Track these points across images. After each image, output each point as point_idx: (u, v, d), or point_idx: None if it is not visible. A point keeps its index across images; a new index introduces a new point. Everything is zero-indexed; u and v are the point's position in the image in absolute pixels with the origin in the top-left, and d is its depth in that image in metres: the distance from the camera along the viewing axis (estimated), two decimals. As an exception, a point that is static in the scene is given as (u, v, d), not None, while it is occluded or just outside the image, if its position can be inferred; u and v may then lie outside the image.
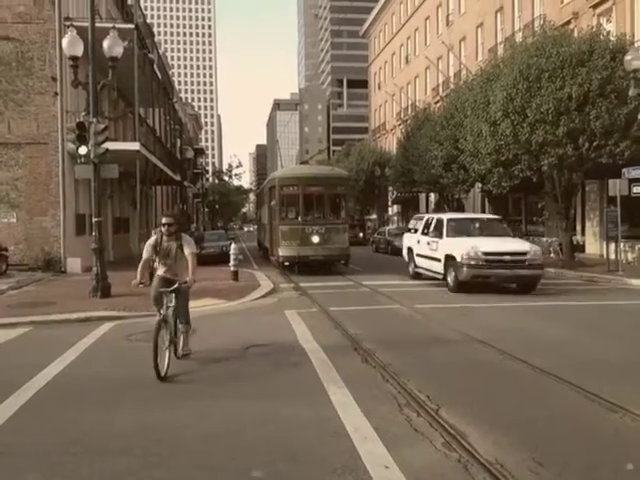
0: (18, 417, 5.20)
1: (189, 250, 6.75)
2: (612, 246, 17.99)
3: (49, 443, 4.59)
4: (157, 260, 6.81)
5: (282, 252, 18.92)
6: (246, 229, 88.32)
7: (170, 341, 6.60)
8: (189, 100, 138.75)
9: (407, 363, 6.95)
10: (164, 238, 6.77)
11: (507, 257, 13.40)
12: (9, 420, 5.11)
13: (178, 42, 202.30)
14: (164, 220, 6.78)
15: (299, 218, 19.30)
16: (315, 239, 18.74)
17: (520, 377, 6.37)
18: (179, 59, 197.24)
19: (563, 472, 4.00)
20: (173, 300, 6.68)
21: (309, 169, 24.02)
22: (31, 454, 4.38)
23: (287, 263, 19.02)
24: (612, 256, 17.73)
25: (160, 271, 6.88)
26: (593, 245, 23.73)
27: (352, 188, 34.74)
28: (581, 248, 23.60)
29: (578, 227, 24.61)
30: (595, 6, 24.20)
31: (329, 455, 4.26)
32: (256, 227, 44.07)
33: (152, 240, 6.89)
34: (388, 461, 4.10)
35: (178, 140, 37.36)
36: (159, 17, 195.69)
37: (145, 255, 6.84)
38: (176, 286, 6.63)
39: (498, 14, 33.28)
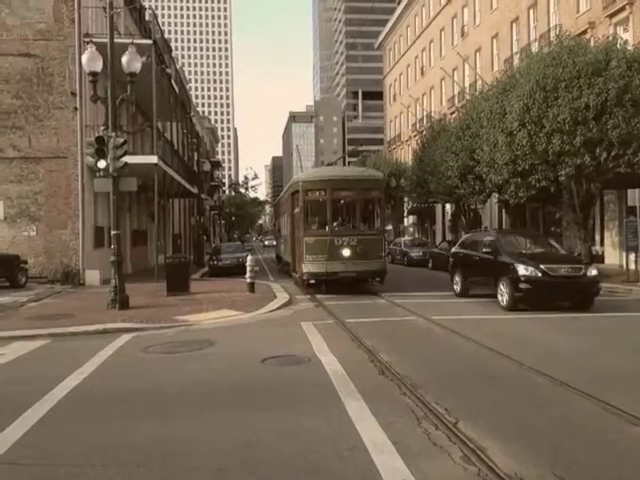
0: (36, 430, 5.21)
1: None
2: (632, 256, 17.74)
3: (66, 456, 4.61)
4: None
5: (307, 268, 16.21)
6: (267, 242, 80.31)
7: None
8: (206, 114, 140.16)
9: (425, 375, 6.89)
10: None
11: None
12: (27, 432, 5.13)
13: (195, 57, 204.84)
14: None
15: (327, 228, 16.48)
16: (346, 253, 16.01)
17: (539, 389, 6.27)
18: (196, 73, 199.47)
19: (585, 487, 3.93)
20: None
21: (338, 170, 20.48)
22: (47, 467, 4.40)
23: (313, 281, 16.40)
24: (632, 266, 17.47)
25: None
26: (612, 255, 23.43)
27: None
28: (600, 258, 23.31)
29: (597, 237, 24.33)
30: (611, 15, 24.10)
31: (347, 469, 4.22)
32: (274, 239, 42.81)
33: None
34: (406, 475, 4.06)
35: (195, 153, 37.68)
36: (176, 32, 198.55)
37: None
38: None
39: (513, 25, 33.26)
